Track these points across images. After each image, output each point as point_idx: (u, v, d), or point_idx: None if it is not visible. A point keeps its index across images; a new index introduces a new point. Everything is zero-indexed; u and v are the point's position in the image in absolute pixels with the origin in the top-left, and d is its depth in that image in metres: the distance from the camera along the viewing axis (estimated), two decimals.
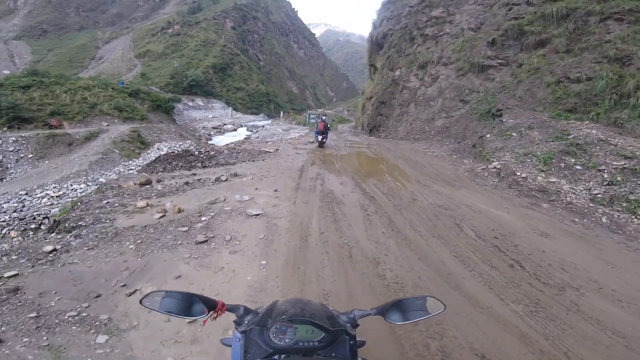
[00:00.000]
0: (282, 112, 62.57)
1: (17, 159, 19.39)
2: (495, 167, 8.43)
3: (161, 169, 12.11)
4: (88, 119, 26.81)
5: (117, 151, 21.07)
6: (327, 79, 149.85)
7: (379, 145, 14.78)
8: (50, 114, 24.81)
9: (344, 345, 1.02)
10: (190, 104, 53.17)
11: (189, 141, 28.35)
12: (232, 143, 21.11)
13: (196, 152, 14.33)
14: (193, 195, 6.64)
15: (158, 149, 23.88)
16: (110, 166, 19.30)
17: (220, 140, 37.98)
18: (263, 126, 45.32)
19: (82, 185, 16.77)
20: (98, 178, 17.66)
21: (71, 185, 16.83)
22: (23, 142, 20.14)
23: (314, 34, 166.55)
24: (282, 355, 0.96)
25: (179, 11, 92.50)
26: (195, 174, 8.92)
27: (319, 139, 14.03)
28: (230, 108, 60.45)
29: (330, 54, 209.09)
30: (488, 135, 10.50)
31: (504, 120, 10.62)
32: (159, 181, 8.16)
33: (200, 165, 11.61)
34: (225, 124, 47.63)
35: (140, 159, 21.46)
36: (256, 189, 7.05)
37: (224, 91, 68.23)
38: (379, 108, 23.20)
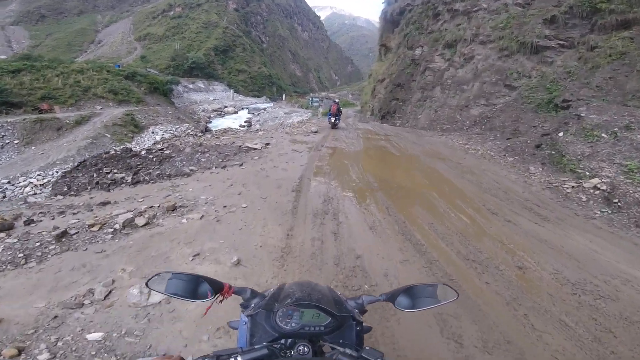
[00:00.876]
0: (284, 95, 60.24)
1: (1, 145, 18.20)
2: (597, 187, 5.71)
3: (81, 182, 9.08)
4: (81, 102, 25.24)
5: (108, 135, 19.66)
6: (332, 63, 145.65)
7: (400, 137, 12.28)
8: (41, 98, 23.21)
9: (350, 331, 1.00)
10: (191, 86, 51.22)
11: (186, 124, 26.69)
12: (203, 137, 16.41)
13: (143, 153, 11.20)
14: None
15: (153, 132, 22.31)
16: (101, 151, 18.00)
17: (220, 124, 36.26)
18: (265, 109, 43.51)
19: None
20: None
21: (57, 172, 15.58)
22: (9, 127, 18.79)
23: (318, 17, 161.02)
24: (288, 340, 0.93)
25: None
26: (106, 202, 5.36)
27: (332, 121, 14.48)
28: (231, 90, 58.34)
29: (335, 37, 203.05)
30: (560, 134, 7.88)
31: (582, 115, 8.02)
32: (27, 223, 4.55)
33: (143, 175, 7.95)
34: (226, 107, 45.76)
35: (134, 142, 20.14)
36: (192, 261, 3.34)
37: (225, 73, 65.93)
38: (393, 91, 20.66)
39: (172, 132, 23.38)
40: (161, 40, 69.99)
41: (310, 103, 44.38)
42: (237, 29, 77.01)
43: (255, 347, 0.89)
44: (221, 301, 1.09)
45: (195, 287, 1.04)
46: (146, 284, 1.03)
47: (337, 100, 16.82)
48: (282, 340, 0.94)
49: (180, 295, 1.02)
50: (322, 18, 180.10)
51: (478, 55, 14.81)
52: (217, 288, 1.05)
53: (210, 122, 36.69)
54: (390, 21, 25.24)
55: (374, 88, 28.38)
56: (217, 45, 67.58)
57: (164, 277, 1.04)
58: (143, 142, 20.05)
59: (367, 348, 0.90)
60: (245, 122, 35.83)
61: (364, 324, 1.07)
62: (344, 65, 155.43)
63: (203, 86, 54.52)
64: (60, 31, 77.35)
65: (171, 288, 1.03)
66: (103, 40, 77.08)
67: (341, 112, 15.37)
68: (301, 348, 0.91)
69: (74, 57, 61.18)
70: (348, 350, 0.89)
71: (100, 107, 25.42)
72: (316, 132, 13.08)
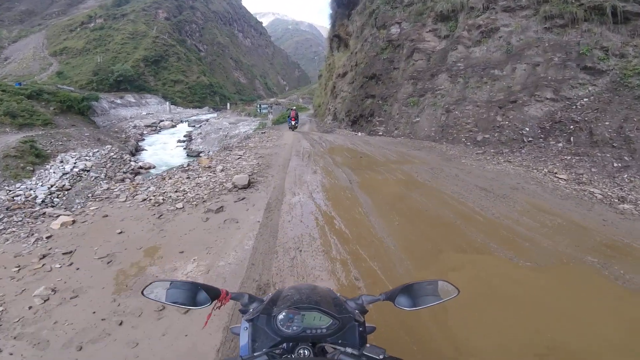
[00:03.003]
0: (229, 104, 56.85)
1: None
2: None
3: None
4: None
5: None
6: (278, 68, 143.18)
7: (407, 164, 8.40)
8: None
9: (352, 332, 0.98)
10: (119, 101, 45.81)
11: (108, 146, 22.78)
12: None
13: None
14: None
15: (62, 161, 18.33)
16: None
17: (155, 140, 32.58)
18: (207, 120, 40.08)
19: None
20: None
21: None
22: None
23: (260, 23, 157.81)
24: (290, 343, 0.93)
25: (102, 4, 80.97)
26: None
27: (292, 124, 17.09)
28: (167, 102, 53.63)
29: (280, 42, 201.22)
30: None
31: None
32: None
33: None
34: (162, 121, 41.41)
35: (35, 177, 16.07)
36: None
37: (159, 85, 60.65)
38: (366, 86, 16.63)
39: (88, 157, 19.43)
40: (81, 54, 62.65)
41: (259, 110, 41.75)
42: (170, 38, 71.61)
43: (255, 354, 0.88)
44: (219, 307, 1.09)
45: (192, 294, 1.03)
46: (142, 293, 1.04)
47: (294, 108, 19.80)
48: (284, 344, 0.93)
49: (178, 303, 1.02)
50: (265, 24, 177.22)
51: (505, 26, 11.42)
52: (214, 295, 1.06)
53: (143, 139, 32.60)
54: (344, 4, 22.27)
55: (333, 86, 24.02)
56: (147, 56, 62.00)
57: (160, 286, 1.04)
58: (48, 177, 16.11)
59: (368, 345, 0.91)
60: (184, 136, 32.37)
61: (367, 324, 1.07)
62: (291, 70, 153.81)
63: (134, 100, 49.24)
64: None
65: (168, 296, 1.02)
66: (11, 56, 67.28)
67: (298, 117, 17.81)
68: (302, 351, 0.90)
69: None
70: (349, 349, 0.88)
71: None
72: (270, 152, 11.04)
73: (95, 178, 17.19)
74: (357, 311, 1.06)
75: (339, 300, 1.07)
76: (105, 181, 17.22)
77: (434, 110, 12.50)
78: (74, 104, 28.62)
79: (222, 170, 8.22)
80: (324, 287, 1.15)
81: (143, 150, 28.11)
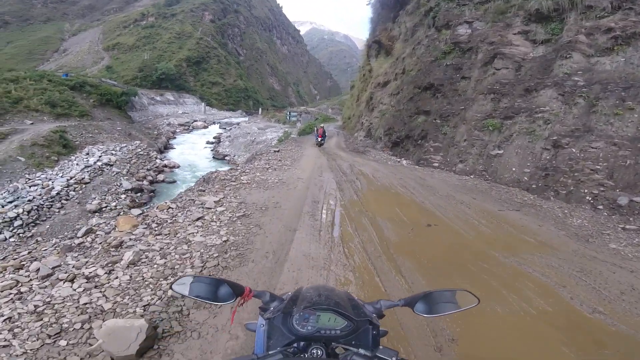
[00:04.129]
0: (260, 109, 56.85)
1: None
2: None
3: None
4: (7, 116, 20.64)
5: (22, 159, 15.27)
6: (311, 77, 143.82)
7: (524, 255, 4.55)
8: None
9: (366, 335, 0.98)
10: (159, 98, 46.83)
11: (137, 142, 22.56)
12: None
13: None
14: None
15: (88, 153, 18.06)
16: (6, 181, 13.65)
17: (185, 140, 32.50)
18: (238, 124, 39.87)
19: None
20: None
21: None
22: None
23: (298, 31, 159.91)
24: (303, 343, 0.93)
25: (155, 3, 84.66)
26: None
27: (319, 140, 16.34)
28: (203, 103, 54.37)
29: (315, 51, 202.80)
30: None
31: None
32: None
33: None
34: (195, 121, 41.79)
35: (57, 168, 15.79)
36: None
37: (198, 86, 61.83)
38: (417, 99, 13.55)
39: (114, 152, 19.13)
40: (131, 50, 65.26)
41: (288, 118, 41.17)
42: (213, 40, 73.25)
43: (270, 352, 0.89)
44: (242, 304, 1.11)
45: (216, 290, 1.05)
46: (170, 287, 1.07)
47: (322, 125, 18.23)
48: (296, 344, 0.93)
49: (202, 298, 1.04)
50: (302, 32, 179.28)
51: None
52: (238, 291, 1.06)
53: (175, 138, 32.68)
54: (390, 5, 19.56)
55: (369, 97, 20.55)
56: (189, 56, 63.52)
57: (187, 280, 1.06)
58: (70, 168, 15.78)
59: (381, 347, 0.93)
60: (214, 138, 32.07)
61: (381, 328, 1.05)
62: (323, 79, 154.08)
63: (172, 99, 50.24)
64: (22, 39, 71.07)
65: (194, 291, 1.04)
66: (69, 49, 71.40)
67: (326, 134, 17.01)
68: (315, 351, 0.90)
69: (34, 66, 55.64)
70: (362, 351, 0.88)
71: (30, 122, 21.02)
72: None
73: (116, 174, 16.74)
74: (374, 315, 1.06)
75: (357, 303, 1.07)
76: (125, 177, 16.79)
77: (531, 142, 8.93)
78: (112, 97, 29.04)
79: (125, 270, 3.93)
80: (342, 290, 1.14)
81: (172, 148, 27.96)
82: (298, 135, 25.90)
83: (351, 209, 6.50)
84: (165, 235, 5.03)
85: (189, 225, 5.37)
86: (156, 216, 5.94)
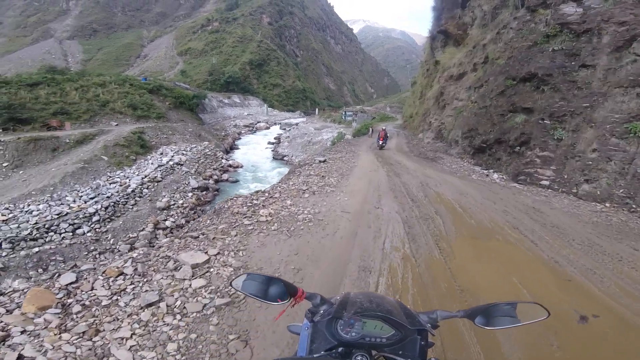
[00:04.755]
0: (317, 109, 56.53)
1: None
2: None
3: None
4: (96, 118, 22.58)
5: (105, 158, 16.23)
6: (367, 75, 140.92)
7: None
8: (54, 113, 20.80)
9: (413, 345, 0.95)
10: (227, 101, 49.00)
11: (206, 142, 23.10)
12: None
13: None
14: None
15: (162, 153, 18.73)
16: (90, 178, 14.52)
17: (249, 140, 33.14)
18: (297, 124, 39.91)
19: (41, 206, 12.00)
20: (66, 196, 12.90)
21: (28, 205, 12.17)
22: (1, 147, 16.19)
23: (351, 29, 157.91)
24: (343, 348, 0.92)
25: (218, 8, 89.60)
26: None
27: (380, 143, 16.03)
28: (265, 105, 55.74)
29: (370, 49, 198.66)
30: None
31: None
32: None
33: None
34: (258, 122, 43.02)
35: (134, 166, 16.52)
36: None
37: (260, 88, 63.71)
38: (510, 93, 11.08)
39: (185, 152, 19.66)
40: (201, 54, 69.59)
41: (344, 117, 40.14)
42: (272, 43, 74.98)
43: (315, 355, 0.91)
44: (294, 305, 1.09)
45: (273, 289, 1.05)
46: (230, 283, 1.08)
47: (384, 127, 17.80)
48: (340, 349, 0.91)
49: (257, 296, 1.04)
50: (355, 31, 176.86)
51: None
52: (292, 292, 1.06)
53: (240, 138, 33.67)
54: None
55: (439, 92, 18.11)
56: (252, 60, 65.72)
57: (246, 278, 1.08)
58: (145, 167, 16.37)
59: (432, 359, 0.91)
60: (274, 138, 32.26)
61: (429, 340, 1.01)
62: (379, 77, 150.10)
63: (239, 101, 52.24)
64: (109, 45, 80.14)
65: (251, 288, 1.05)
66: (148, 54, 78.65)
67: (388, 137, 16.56)
68: (358, 357, 0.88)
69: (122, 71, 62.01)
70: None
71: (115, 123, 22.61)
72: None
73: (185, 172, 17.08)
74: (428, 325, 1.02)
75: (410, 312, 1.03)
76: (194, 176, 17.07)
77: None
78: (185, 100, 30.54)
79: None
80: (392, 299, 1.11)
81: (237, 149, 28.60)
82: (353, 136, 24.51)
83: (432, 284, 3.69)
84: (77, 336, 2.90)
85: (127, 317, 3.13)
86: (90, 291, 3.61)
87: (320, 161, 12.26)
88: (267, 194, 7.47)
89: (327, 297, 1.13)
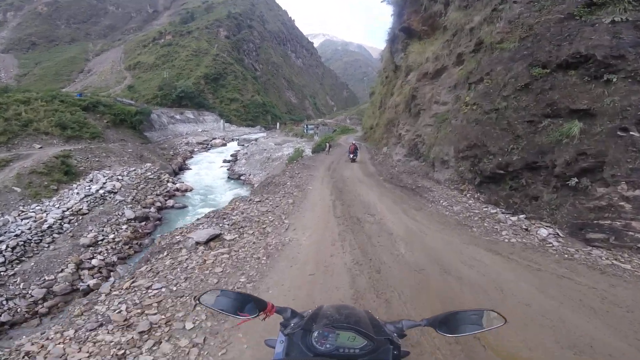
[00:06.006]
0: (278, 124, 55.22)
1: None
2: None
3: None
4: (15, 140, 19.33)
5: (18, 189, 13.62)
6: (327, 88, 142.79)
7: None
8: None
9: (386, 354, 0.95)
10: (178, 117, 45.92)
11: (148, 164, 20.79)
12: None
13: None
14: None
15: (92, 180, 16.22)
16: None
17: (202, 159, 30.90)
18: (256, 140, 38.23)
19: None
20: None
21: None
22: None
23: (312, 43, 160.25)
24: None
25: (171, 22, 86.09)
26: None
27: (351, 157, 16.73)
28: (222, 120, 53.31)
29: (329, 63, 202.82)
30: None
31: None
32: None
33: None
34: (214, 139, 40.57)
35: (55, 198, 14.00)
36: None
37: (217, 102, 61.12)
38: (539, 88, 7.17)
39: (120, 177, 17.30)
40: (151, 69, 65.67)
41: (306, 131, 39.34)
42: (229, 56, 72.99)
43: None
44: (264, 319, 1.10)
45: (241, 304, 1.06)
46: (197, 299, 1.07)
47: (354, 142, 18.68)
48: None
49: (226, 311, 1.04)
50: (315, 44, 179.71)
51: None
52: (261, 307, 1.07)
53: (192, 157, 31.20)
54: None
55: (411, 96, 14.56)
56: (207, 73, 63.15)
57: (213, 294, 1.07)
58: (69, 198, 13.95)
59: None
60: (231, 155, 30.32)
61: (402, 349, 1.03)
62: (339, 90, 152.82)
63: (192, 117, 49.32)
64: (49, 60, 73.42)
65: (219, 304, 1.05)
66: (93, 69, 73.02)
67: (358, 149, 17.48)
68: None
69: (61, 87, 56.56)
70: None
71: (39, 146, 19.58)
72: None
73: (119, 202, 14.83)
74: (395, 334, 1.03)
75: (377, 323, 1.05)
76: (130, 206, 14.87)
77: None
78: (127, 117, 27.72)
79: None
80: (362, 310, 1.12)
81: (188, 169, 26.31)
82: (312, 152, 22.50)
83: None
84: None
85: None
86: None
87: (257, 201, 8.52)
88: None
89: (300, 310, 1.13)
